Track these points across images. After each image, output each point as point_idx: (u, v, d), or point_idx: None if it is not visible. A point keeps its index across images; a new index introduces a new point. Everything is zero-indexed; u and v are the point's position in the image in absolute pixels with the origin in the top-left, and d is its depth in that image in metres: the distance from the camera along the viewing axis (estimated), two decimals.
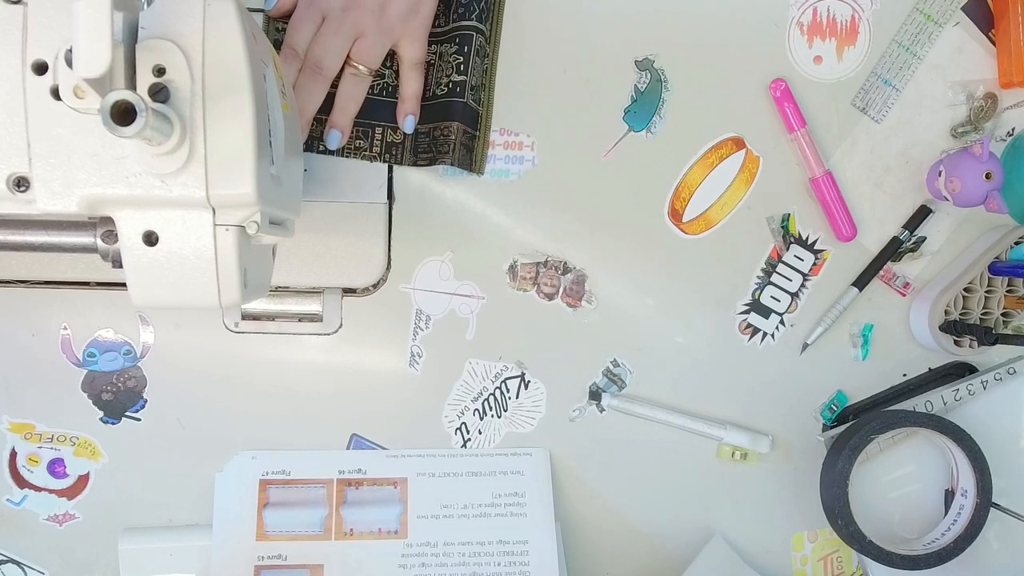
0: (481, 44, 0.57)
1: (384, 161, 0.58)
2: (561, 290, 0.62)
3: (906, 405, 0.63)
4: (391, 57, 0.58)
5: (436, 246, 0.61)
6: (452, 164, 0.57)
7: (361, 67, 0.54)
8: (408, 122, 0.57)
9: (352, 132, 0.57)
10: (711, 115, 0.62)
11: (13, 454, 0.61)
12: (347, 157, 0.58)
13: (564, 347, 0.62)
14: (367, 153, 0.58)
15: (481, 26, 0.57)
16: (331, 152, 0.58)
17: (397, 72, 0.58)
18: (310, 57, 0.53)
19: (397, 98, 0.58)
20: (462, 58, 0.56)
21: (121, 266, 0.38)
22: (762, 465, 0.64)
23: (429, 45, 0.58)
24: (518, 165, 0.61)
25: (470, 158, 0.59)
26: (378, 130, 0.58)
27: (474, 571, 0.60)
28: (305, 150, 0.57)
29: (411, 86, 0.57)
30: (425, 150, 0.57)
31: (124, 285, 0.38)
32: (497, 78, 0.60)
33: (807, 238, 0.63)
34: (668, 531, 0.64)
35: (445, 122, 0.56)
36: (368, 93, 0.57)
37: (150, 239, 0.37)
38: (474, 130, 0.58)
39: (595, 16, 0.61)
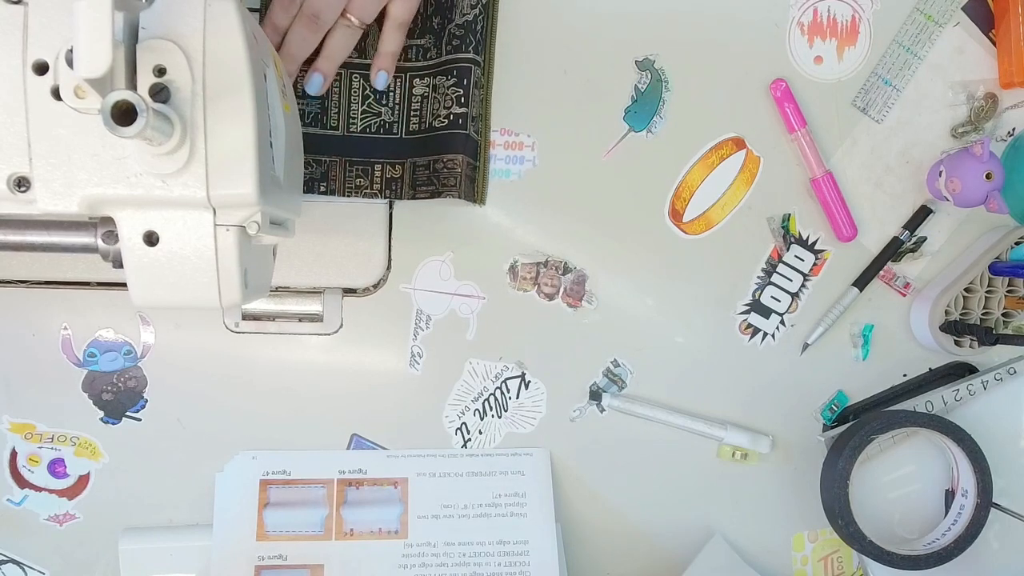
0: (479, 76, 0.57)
1: (384, 197, 0.58)
2: (561, 290, 0.62)
3: (906, 405, 0.63)
4: (387, 96, 0.58)
5: (436, 246, 0.61)
6: (459, 197, 0.56)
7: (355, 19, 0.54)
8: (380, 78, 0.56)
9: (352, 170, 0.57)
10: (711, 115, 0.62)
11: (13, 454, 0.61)
12: (348, 197, 0.58)
13: (564, 347, 0.62)
14: (368, 191, 0.58)
15: (478, 58, 0.57)
16: (331, 192, 0.57)
17: (394, 109, 0.58)
18: (308, 6, 0.52)
19: (395, 134, 0.58)
20: (462, 90, 0.56)
21: (121, 266, 0.38)
22: (762, 465, 0.64)
23: (422, 78, 0.58)
24: (518, 165, 0.61)
25: (473, 189, 0.59)
26: (377, 167, 0.58)
27: (474, 571, 0.60)
28: (305, 191, 0.57)
29: (391, 44, 0.56)
30: (424, 183, 0.57)
31: (124, 285, 0.38)
32: (497, 77, 0.60)
33: (807, 238, 0.63)
34: (668, 531, 0.64)
35: (448, 155, 0.56)
36: (367, 131, 0.58)
37: (151, 239, 0.37)
38: (475, 161, 0.58)
39: (595, 16, 0.61)
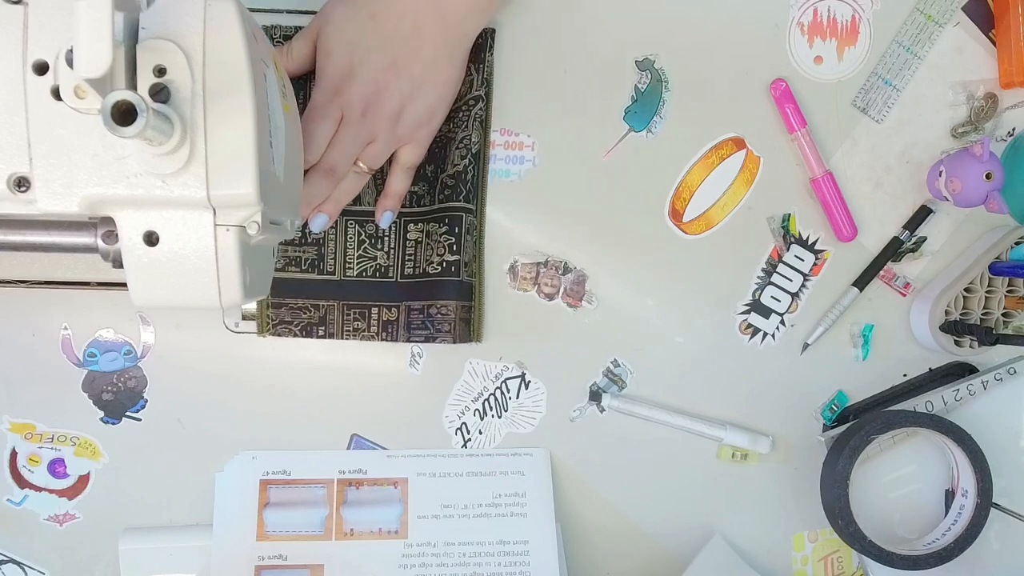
0: (471, 223, 0.58)
1: (381, 339, 0.59)
2: (561, 290, 0.62)
3: (906, 405, 0.63)
4: (382, 241, 0.59)
5: None
6: (453, 342, 0.58)
7: (365, 167, 0.55)
8: (385, 217, 0.57)
9: (350, 314, 0.59)
10: (711, 115, 0.62)
11: (14, 454, 0.61)
12: (346, 339, 0.59)
13: (564, 347, 0.62)
14: (365, 333, 0.59)
15: (470, 206, 0.58)
16: (330, 335, 0.59)
17: (389, 253, 0.59)
18: (326, 159, 0.53)
19: (390, 278, 0.59)
20: (454, 238, 0.57)
21: (122, 266, 0.38)
22: (762, 465, 0.64)
23: (416, 223, 0.59)
24: (518, 165, 0.61)
25: (468, 329, 0.60)
26: (374, 310, 0.59)
27: (474, 571, 0.60)
28: (304, 335, 0.59)
29: (399, 185, 0.57)
30: (419, 326, 0.58)
31: (124, 285, 0.38)
32: (497, 77, 0.60)
33: (807, 238, 0.63)
34: (668, 531, 0.64)
35: (441, 301, 0.57)
36: (363, 275, 0.59)
37: (151, 239, 0.37)
38: (469, 302, 0.59)
39: (595, 16, 0.61)
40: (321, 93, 0.53)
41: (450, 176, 0.58)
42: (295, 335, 0.59)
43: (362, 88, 0.52)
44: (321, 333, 0.59)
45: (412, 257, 0.59)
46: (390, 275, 0.59)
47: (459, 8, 0.53)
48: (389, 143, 0.55)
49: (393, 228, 0.59)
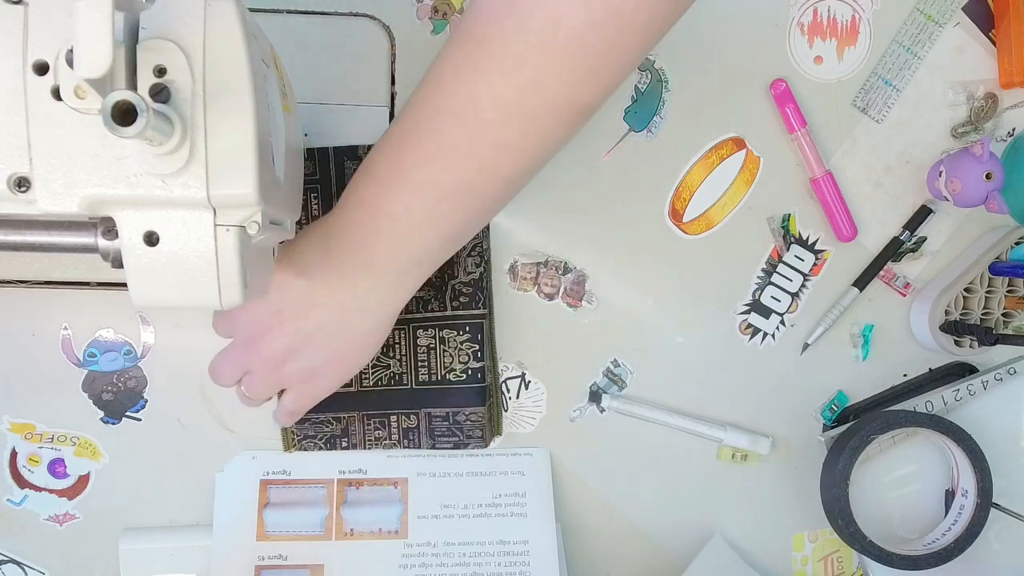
0: (488, 328, 0.59)
1: (403, 446, 0.60)
2: (561, 290, 0.62)
3: (906, 405, 0.63)
4: (393, 349, 0.59)
5: None
6: (485, 445, 0.60)
7: (246, 392, 0.56)
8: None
9: (370, 423, 0.60)
10: (711, 115, 0.62)
11: (14, 454, 0.61)
12: (369, 449, 0.60)
13: (564, 347, 0.62)
14: (387, 442, 0.60)
15: (485, 311, 0.59)
16: (352, 446, 0.60)
17: (401, 360, 0.59)
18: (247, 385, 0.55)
19: (405, 385, 0.59)
20: (477, 346, 0.58)
21: (121, 266, 0.38)
22: (762, 466, 0.64)
23: (426, 329, 0.59)
24: None
25: (491, 427, 0.60)
26: (393, 418, 0.60)
27: (474, 571, 0.60)
28: (328, 448, 0.60)
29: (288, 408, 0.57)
30: (445, 433, 0.59)
31: (124, 285, 0.38)
32: None
33: (807, 238, 0.63)
34: (668, 531, 0.64)
35: (468, 408, 0.59)
36: (380, 384, 0.59)
37: (151, 239, 0.37)
38: (491, 400, 0.60)
39: None
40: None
41: (464, 284, 0.58)
42: (320, 448, 0.60)
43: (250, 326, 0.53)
44: (344, 445, 0.60)
45: (425, 363, 0.59)
46: (404, 382, 0.59)
47: (386, 306, 0.52)
48: (267, 382, 0.54)
49: (402, 335, 0.59)
